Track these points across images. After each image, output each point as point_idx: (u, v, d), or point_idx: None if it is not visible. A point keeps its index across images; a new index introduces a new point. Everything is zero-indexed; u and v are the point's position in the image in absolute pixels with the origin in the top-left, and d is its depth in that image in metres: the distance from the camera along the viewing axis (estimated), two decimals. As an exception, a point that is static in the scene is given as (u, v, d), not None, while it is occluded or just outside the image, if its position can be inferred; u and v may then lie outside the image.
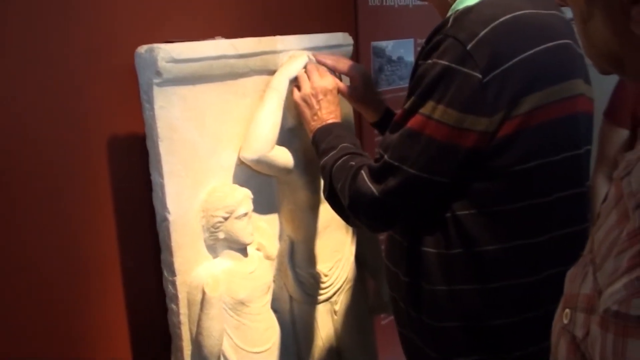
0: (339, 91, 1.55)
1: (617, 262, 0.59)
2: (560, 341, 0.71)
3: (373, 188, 1.20)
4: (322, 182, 1.47)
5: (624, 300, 0.55)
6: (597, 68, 0.74)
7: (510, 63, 1.10)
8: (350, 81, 1.62)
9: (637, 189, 0.61)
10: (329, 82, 1.51)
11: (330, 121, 1.47)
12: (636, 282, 0.55)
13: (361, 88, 1.61)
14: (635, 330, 0.54)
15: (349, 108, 1.72)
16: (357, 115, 1.87)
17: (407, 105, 1.17)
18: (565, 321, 0.70)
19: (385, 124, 1.53)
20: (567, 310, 0.70)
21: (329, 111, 1.48)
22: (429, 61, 1.13)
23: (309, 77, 1.52)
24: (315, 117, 1.48)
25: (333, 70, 1.59)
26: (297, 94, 1.52)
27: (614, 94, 1.90)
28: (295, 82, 1.53)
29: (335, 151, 1.36)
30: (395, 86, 2.25)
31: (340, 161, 1.32)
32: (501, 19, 1.12)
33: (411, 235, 1.27)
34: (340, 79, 1.60)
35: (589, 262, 0.69)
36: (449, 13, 1.19)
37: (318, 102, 1.48)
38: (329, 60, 1.61)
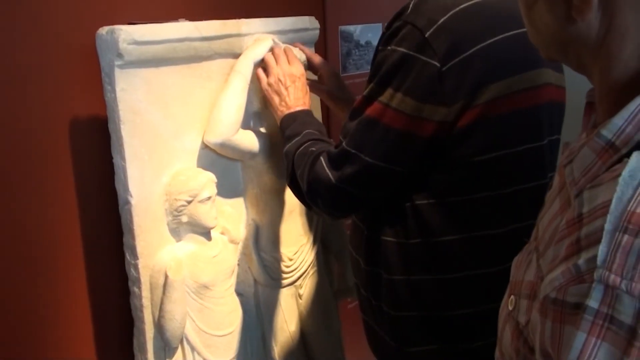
0: (309, 85, 1.53)
1: (557, 249, 0.60)
2: (505, 327, 0.72)
3: (330, 175, 1.19)
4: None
5: (561, 287, 0.56)
6: (543, 55, 0.75)
7: (470, 52, 1.09)
8: (320, 79, 1.61)
9: (579, 177, 0.62)
10: (298, 69, 1.48)
11: (298, 108, 1.44)
12: (573, 270, 0.55)
13: (334, 85, 1.59)
14: (571, 317, 0.55)
15: (316, 100, 1.70)
16: (325, 108, 1.86)
17: (365, 92, 1.17)
18: (511, 307, 0.71)
19: None
20: (512, 296, 0.71)
21: (296, 97, 1.45)
22: (388, 48, 1.12)
23: (277, 63, 1.48)
24: (283, 104, 1.45)
25: (307, 63, 1.59)
26: (264, 80, 1.48)
27: None
28: (261, 65, 1.50)
29: (298, 137, 1.34)
30: (363, 71, 2.24)
31: (302, 147, 1.30)
32: (462, 6, 1.11)
33: (371, 224, 1.27)
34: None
35: (534, 249, 0.70)
36: None
37: (286, 88, 1.45)
38: (307, 50, 1.60)
